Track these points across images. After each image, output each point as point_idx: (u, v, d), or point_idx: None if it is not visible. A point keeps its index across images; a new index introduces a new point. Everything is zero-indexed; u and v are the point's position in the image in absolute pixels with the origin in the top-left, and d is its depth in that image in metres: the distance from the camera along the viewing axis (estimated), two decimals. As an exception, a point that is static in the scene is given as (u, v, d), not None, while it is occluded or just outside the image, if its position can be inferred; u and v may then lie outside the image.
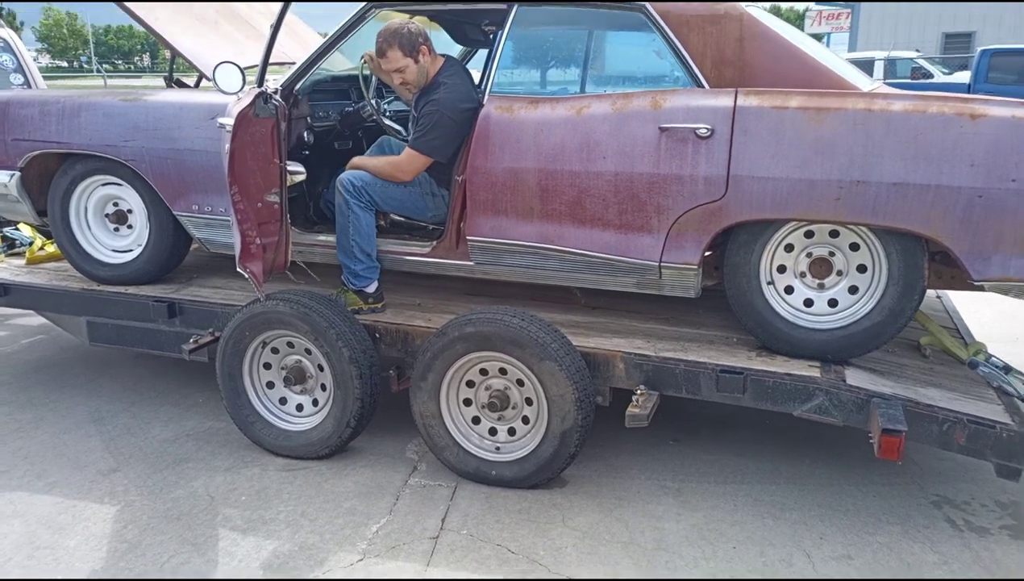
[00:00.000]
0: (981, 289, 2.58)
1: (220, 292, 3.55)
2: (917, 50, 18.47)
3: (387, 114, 3.68)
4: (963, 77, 13.83)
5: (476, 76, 3.28)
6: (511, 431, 2.89)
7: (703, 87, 2.72)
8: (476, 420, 2.91)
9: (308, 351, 3.06)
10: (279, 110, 2.83)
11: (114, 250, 3.65)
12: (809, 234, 2.72)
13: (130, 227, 3.62)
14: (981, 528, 2.66)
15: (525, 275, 3.02)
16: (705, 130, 2.63)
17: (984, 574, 2.42)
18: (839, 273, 2.72)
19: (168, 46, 3.44)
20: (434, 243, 3.13)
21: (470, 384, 2.89)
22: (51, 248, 4.13)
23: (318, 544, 2.57)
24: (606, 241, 2.82)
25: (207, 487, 2.93)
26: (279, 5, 4.79)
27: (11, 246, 4.27)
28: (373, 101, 3.53)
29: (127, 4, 3.38)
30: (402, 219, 3.40)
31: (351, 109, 3.63)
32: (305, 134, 3.34)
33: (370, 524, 2.67)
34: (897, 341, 2.97)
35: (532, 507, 2.76)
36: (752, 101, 2.61)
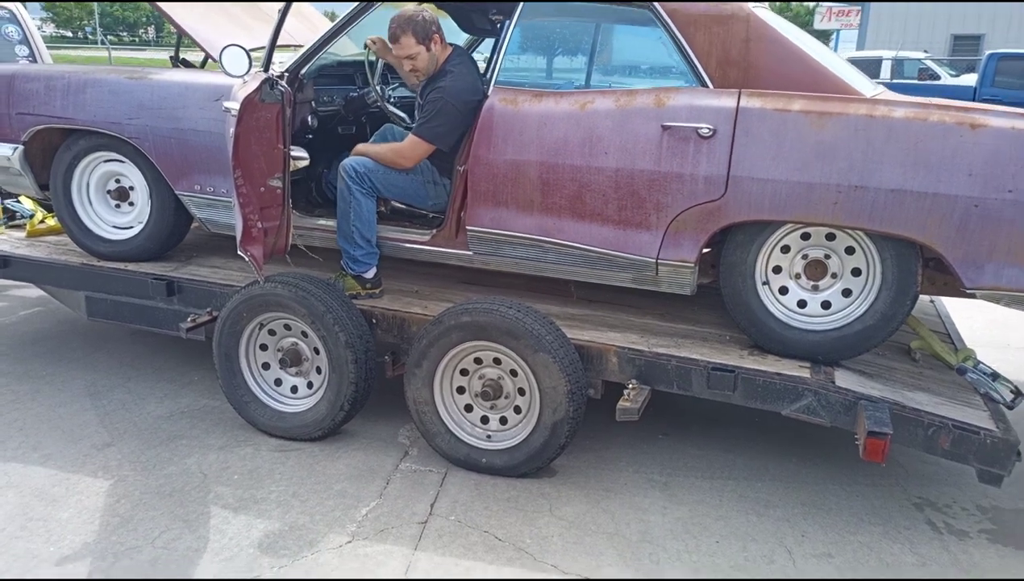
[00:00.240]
0: (973, 297, 2.61)
1: (219, 272, 3.57)
2: (925, 51, 18.40)
3: (391, 100, 3.69)
4: (970, 80, 13.81)
5: (480, 66, 3.30)
6: (503, 420, 2.92)
7: (707, 86, 2.73)
8: (469, 408, 2.95)
9: (305, 334, 3.09)
10: (284, 96, 2.84)
11: (115, 226, 3.66)
12: (806, 236, 2.75)
13: (131, 204, 3.64)
14: (961, 531, 2.70)
15: (523, 267, 3.05)
16: (707, 130, 2.64)
17: (962, 575, 2.46)
18: (834, 276, 2.75)
19: (176, 25, 3.45)
20: (434, 232, 3.15)
21: (464, 372, 2.92)
22: (51, 221, 4.15)
23: (308, 525, 2.60)
24: (605, 236, 2.84)
25: (200, 465, 2.96)
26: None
27: (11, 218, 4.29)
28: (378, 87, 3.54)
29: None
30: (403, 206, 3.42)
31: (356, 94, 3.64)
32: (309, 118, 3.35)
33: (360, 507, 2.71)
34: (888, 344, 3.00)
35: (520, 496, 2.79)
36: (755, 103, 2.63)
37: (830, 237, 2.72)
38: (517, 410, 2.88)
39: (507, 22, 3.06)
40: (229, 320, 3.10)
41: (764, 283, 2.80)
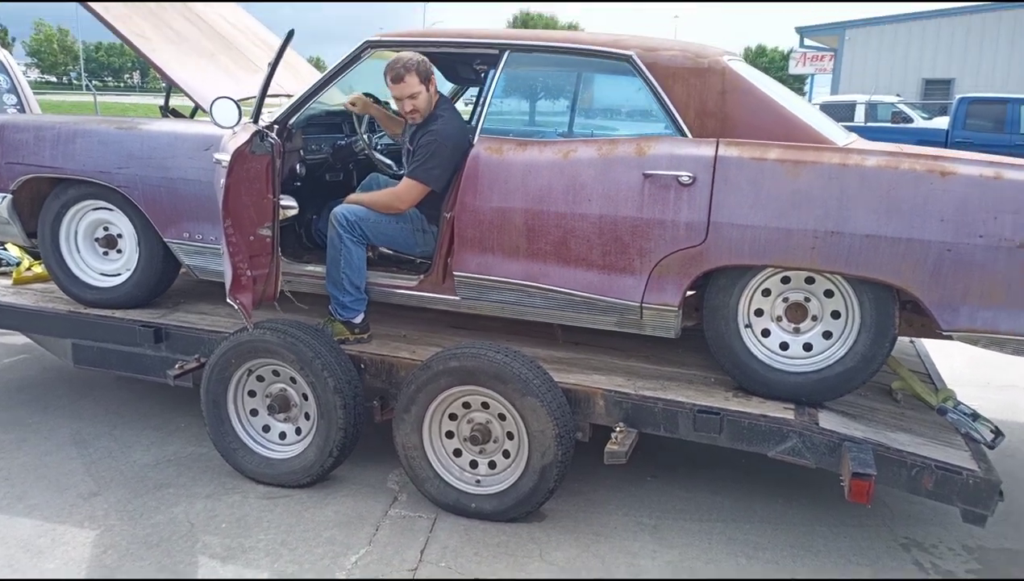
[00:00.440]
0: (950, 338, 2.68)
1: (207, 318, 3.58)
2: (898, 95, 18.93)
3: (378, 149, 3.77)
4: (942, 123, 14.19)
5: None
6: (492, 465, 2.93)
7: (686, 136, 2.82)
8: (457, 453, 2.96)
9: (293, 380, 3.10)
10: (275, 148, 2.90)
11: (102, 274, 3.68)
12: (786, 280, 2.81)
13: (119, 252, 3.66)
14: (948, 571, 2.72)
15: (509, 311, 3.09)
16: (687, 178, 2.72)
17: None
18: (814, 318, 2.81)
19: (165, 77, 3.51)
20: (421, 277, 3.19)
21: (453, 417, 2.94)
22: (38, 269, 4.15)
23: (297, 573, 2.59)
24: (590, 281, 2.89)
25: (187, 513, 2.94)
26: (271, 36, 4.89)
27: (-2, 265, 4.29)
28: (365, 136, 3.62)
29: (127, 36, 3.45)
30: (390, 252, 3.47)
31: (343, 143, 3.72)
32: (298, 166, 3.41)
33: (349, 554, 2.70)
34: (870, 385, 3.05)
35: (510, 541, 2.80)
36: (733, 152, 2.71)
37: (809, 280, 2.79)
38: (506, 454, 2.90)
39: (492, 71, 3.15)
40: (217, 366, 3.11)
41: (747, 326, 2.86)
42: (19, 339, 4.58)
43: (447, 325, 3.53)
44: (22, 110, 5.89)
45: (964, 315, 2.58)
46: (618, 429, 2.81)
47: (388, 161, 3.65)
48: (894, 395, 3.14)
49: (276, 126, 3.08)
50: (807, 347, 2.83)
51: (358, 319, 3.22)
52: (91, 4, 3.47)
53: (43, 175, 3.53)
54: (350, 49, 3.19)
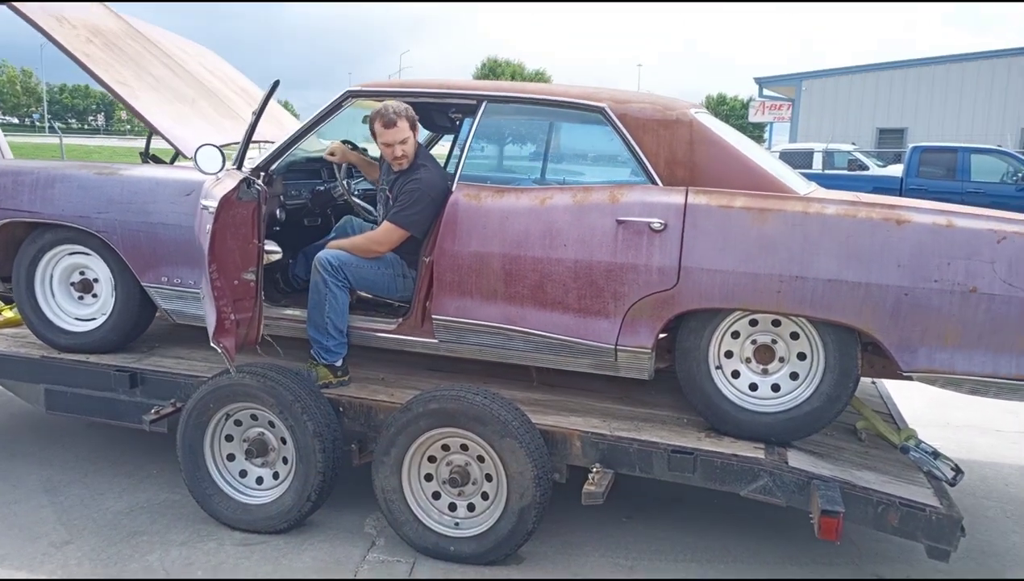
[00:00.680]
0: (910, 379, 2.80)
1: (183, 363, 3.58)
2: (853, 143, 19.56)
3: (355, 194, 3.84)
4: (896, 170, 14.70)
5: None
6: (471, 507, 2.96)
7: (657, 184, 2.94)
8: (436, 495, 2.98)
9: (272, 424, 3.11)
10: (261, 194, 2.96)
11: (77, 318, 3.67)
12: (754, 322, 2.92)
13: (95, 296, 3.66)
14: (914, 606, 2.80)
15: (487, 354, 3.15)
16: (659, 224, 2.84)
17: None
18: (781, 360, 2.92)
19: (147, 124, 3.56)
20: (400, 320, 3.25)
21: (432, 459, 2.97)
22: (8, 314, 4.12)
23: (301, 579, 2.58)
24: (566, 324, 2.97)
25: (162, 561, 2.91)
26: (249, 83, 4.98)
27: (-32, 311, 4.24)
28: (344, 182, 3.70)
29: (109, 84, 3.50)
30: (368, 296, 3.52)
31: (322, 188, 3.79)
32: (277, 211, 3.47)
33: (328, 600, 2.70)
34: (835, 425, 3.16)
35: (489, 583, 2.82)
36: (702, 199, 2.84)
37: (776, 323, 2.90)
38: (484, 496, 2.93)
39: (470, 120, 3.26)
40: (195, 411, 3.11)
41: (717, 367, 2.95)
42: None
43: (424, 368, 3.57)
44: (-6, 154, 5.87)
45: (922, 356, 2.70)
46: (595, 470, 2.87)
47: (367, 206, 3.73)
48: (858, 435, 3.25)
49: (262, 173, 3.14)
50: (775, 388, 2.93)
51: (339, 362, 3.25)
52: (74, 53, 3.52)
53: (20, 220, 3.54)
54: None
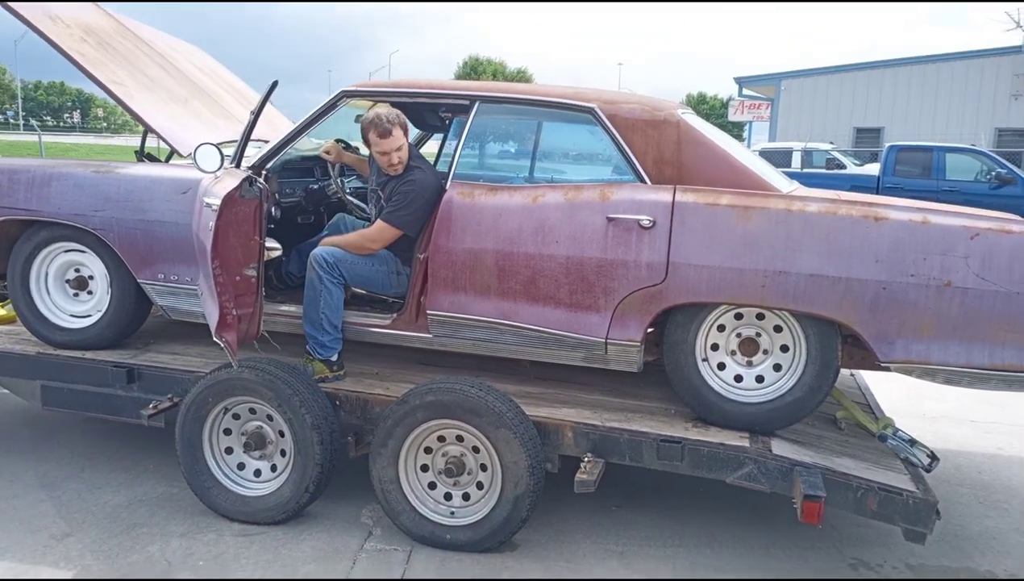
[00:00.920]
0: (887, 370, 2.92)
1: (179, 358, 3.63)
2: (831, 142, 19.87)
3: (348, 192, 3.91)
4: (873, 169, 14.95)
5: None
6: (466, 496, 3.04)
7: (645, 182, 3.04)
8: (432, 485, 3.06)
9: (270, 417, 3.17)
10: (263, 192, 3.02)
11: (72, 315, 3.70)
12: (739, 316, 3.03)
13: (90, 293, 3.69)
14: (893, 587, 2.93)
15: (481, 348, 3.23)
16: (648, 221, 2.93)
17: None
18: (765, 352, 3.02)
19: (143, 122, 3.60)
20: (395, 316, 3.32)
21: (428, 451, 3.05)
22: (2, 311, 4.14)
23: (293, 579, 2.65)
24: (558, 318, 3.06)
25: (163, 552, 2.97)
26: (240, 82, 5.02)
27: (-40, 308, 4.25)
28: (338, 180, 3.76)
29: (104, 83, 3.54)
30: (363, 292, 3.58)
31: (316, 187, 3.85)
32: (273, 209, 3.52)
33: (329, 587, 2.77)
34: (816, 415, 3.28)
35: (484, 570, 2.90)
36: (689, 197, 2.94)
37: (760, 317, 3.01)
38: (480, 486, 3.02)
39: (462, 120, 3.34)
40: (194, 405, 3.17)
41: (704, 360, 3.06)
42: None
43: (418, 363, 3.65)
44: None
45: (899, 347, 2.82)
46: (586, 459, 2.96)
47: (360, 204, 3.79)
48: (838, 424, 3.37)
49: (264, 172, 3.20)
50: (759, 379, 3.03)
51: (335, 357, 3.32)
52: (68, 51, 3.56)
53: (16, 217, 3.57)
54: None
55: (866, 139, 25.02)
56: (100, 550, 2.96)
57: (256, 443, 3.20)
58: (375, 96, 3.47)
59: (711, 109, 55.78)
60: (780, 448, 2.92)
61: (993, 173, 12.73)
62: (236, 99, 4.63)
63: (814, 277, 2.81)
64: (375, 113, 3.20)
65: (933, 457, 3.12)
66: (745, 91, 29.68)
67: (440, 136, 4.61)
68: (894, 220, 2.80)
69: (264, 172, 3.34)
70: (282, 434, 3.16)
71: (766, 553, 3.12)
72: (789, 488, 2.82)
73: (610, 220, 2.98)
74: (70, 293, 3.71)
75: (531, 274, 3.06)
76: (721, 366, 3.06)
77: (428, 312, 3.21)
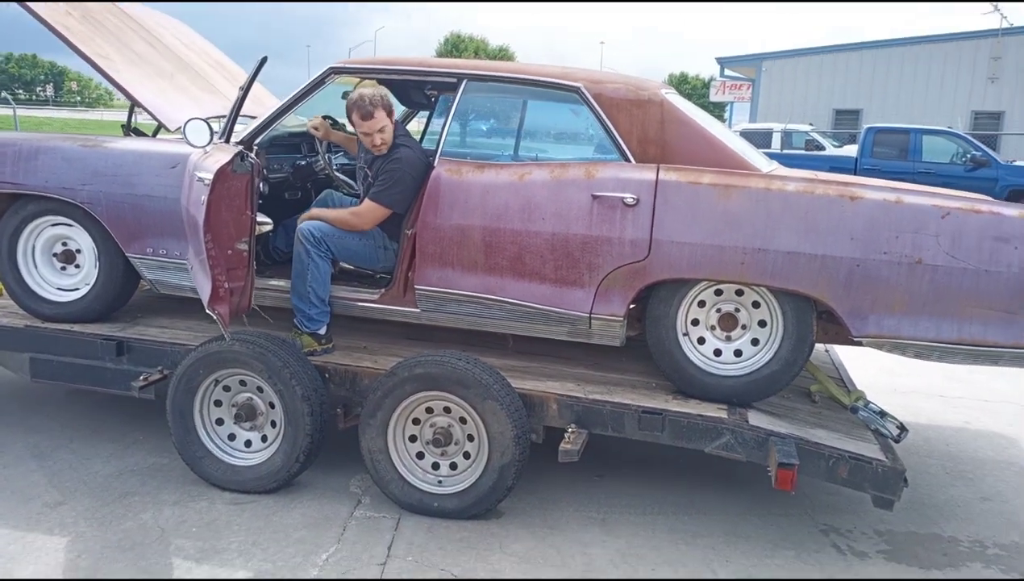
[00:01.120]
0: (860, 344, 3.03)
1: (167, 331, 3.67)
2: (811, 124, 20.02)
3: (336, 168, 3.95)
4: (851, 151, 15.13)
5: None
6: (453, 466, 3.13)
7: (630, 161, 3.11)
8: (420, 455, 3.15)
9: (260, 389, 3.23)
10: (254, 167, 3.05)
11: (59, 288, 3.72)
12: (719, 292, 3.12)
13: (77, 267, 3.71)
14: (861, 552, 3.06)
15: (467, 322, 3.30)
16: (632, 199, 3.01)
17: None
18: (743, 327, 3.12)
19: (130, 97, 3.61)
20: (382, 290, 3.38)
21: (416, 422, 3.13)
22: (-12, 285, 4.14)
23: (271, 571, 2.73)
24: (543, 293, 3.14)
25: (156, 519, 3.03)
26: (225, 57, 5.01)
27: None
28: (326, 156, 3.80)
29: (91, 57, 3.54)
30: (351, 267, 3.64)
31: (303, 163, 3.88)
32: (261, 185, 3.55)
33: (320, 552, 2.85)
34: (791, 388, 3.39)
35: (471, 536, 2.99)
36: (672, 176, 3.02)
37: (739, 293, 3.10)
38: (466, 455, 3.10)
39: (449, 98, 3.38)
40: (185, 377, 3.22)
41: (684, 334, 3.15)
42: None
43: (406, 337, 3.71)
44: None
45: (872, 323, 2.93)
46: (570, 430, 3.05)
47: (348, 180, 3.83)
48: (812, 397, 3.49)
49: (254, 147, 3.23)
50: (738, 353, 3.14)
51: (323, 331, 3.38)
52: (54, 24, 3.55)
53: (3, 191, 3.57)
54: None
55: (845, 121, 25.24)
56: (94, 518, 3.02)
57: (247, 414, 3.26)
58: (363, 73, 3.50)
59: (693, 89, 55.82)
60: (756, 419, 3.03)
61: (968, 155, 12.94)
62: (221, 74, 4.63)
63: (791, 254, 2.90)
64: (358, 94, 3.24)
65: (902, 428, 3.25)
66: (727, 72, 29.76)
67: (426, 114, 4.65)
68: (869, 200, 2.90)
69: (254, 147, 3.37)
70: (272, 406, 3.22)
71: (742, 519, 3.24)
72: (764, 457, 2.93)
73: (595, 198, 3.05)
74: (57, 266, 3.73)
75: (517, 250, 3.13)
76: (701, 340, 3.16)
77: (416, 287, 3.27)
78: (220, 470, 3.27)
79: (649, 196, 3.01)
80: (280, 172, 3.82)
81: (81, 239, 3.66)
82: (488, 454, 3.01)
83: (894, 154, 13.39)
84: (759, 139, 15.45)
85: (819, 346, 4.20)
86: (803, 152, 15.31)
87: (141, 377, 3.37)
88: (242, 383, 3.26)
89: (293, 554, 2.83)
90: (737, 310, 3.12)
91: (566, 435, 3.02)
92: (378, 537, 2.96)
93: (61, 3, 3.75)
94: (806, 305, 3.02)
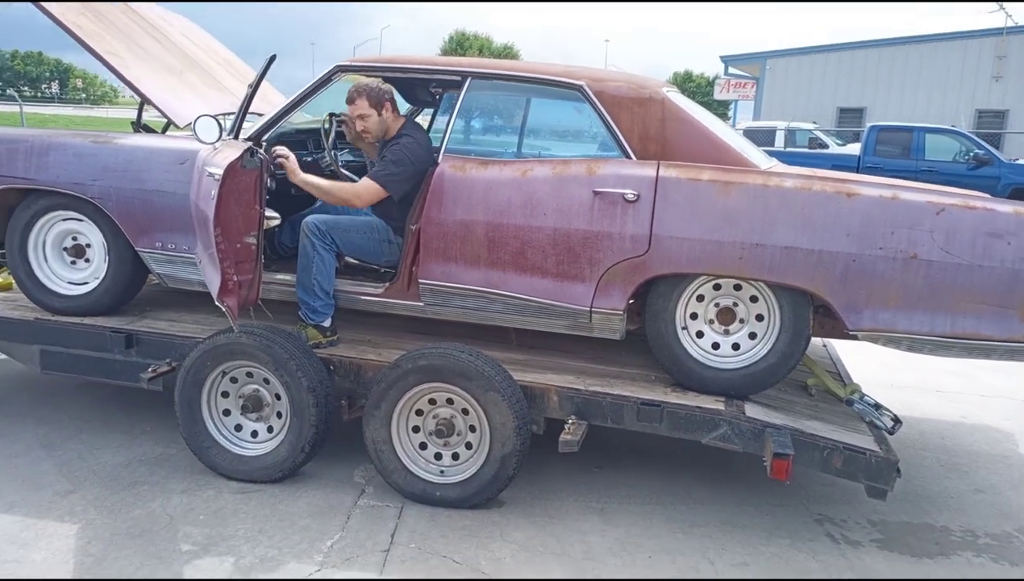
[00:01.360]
0: (855, 338, 3.08)
1: (175, 325, 3.74)
2: (814, 122, 20.03)
3: (341, 164, 4.00)
4: (855, 149, 15.14)
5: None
6: (455, 456, 3.19)
7: (631, 158, 3.17)
8: (423, 446, 3.21)
9: (266, 381, 3.30)
10: (263, 163, 3.11)
11: (70, 282, 3.78)
12: (717, 287, 3.17)
13: (87, 261, 3.78)
14: (855, 541, 3.12)
15: (470, 316, 3.36)
16: (632, 195, 3.06)
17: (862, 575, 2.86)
18: (741, 321, 3.18)
19: (139, 94, 3.68)
20: (387, 285, 3.44)
21: (419, 413, 3.19)
22: (1, 278, 4.21)
23: (277, 557, 2.79)
24: (545, 288, 3.20)
25: (164, 507, 3.10)
26: (232, 56, 5.08)
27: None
28: (331, 152, 3.85)
29: (101, 54, 3.60)
30: (356, 262, 3.70)
31: (310, 159, 3.94)
32: (269, 181, 3.61)
33: (324, 540, 2.91)
34: (788, 381, 3.45)
35: (473, 524, 3.06)
36: (672, 173, 3.07)
37: (737, 287, 3.16)
38: (468, 446, 3.16)
39: (453, 96, 3.44)
40: (193, 369, 3.28)
41: (683, 328, 3.21)
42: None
43: (409, 331, 3.78)
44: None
45: (867, 317, 2.98)
46: (570, 422, 3.11)
47: (353, 177, 3.88)
48: (809, 390, 3.54)
49: (262, 143, 3.29)
50: (735, 347, 3.19)
51: (327, 323, 3.44)
52: (65, 22, 3.61)
53: (15, 186, 3.64)
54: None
55: (849, 119, 25.23)
56: (103, 506, 3.09)
57: (253, 405, 3.32)
58: (369, 71, 3.56)
59: (697, 87, 55.79)
60: (753, 411, 3.09)
61: (971, 154, 12.95)
62: (229, 72, 4.70)
63: (789, 249, 2.95)
64: (356, 82, 3.33)
65: (896, 420, 3.30)
66: (731, 70, 29.78)
67: (430, 112, 4.71)
68: (865, 196, 2.95)
69: (263, 143, 3.44)
70: (278, 397, 3.29)
71: (738, 510, 3.30)
72: (760, 448, 2.99)
73: (596, 194, 3.11)
74: (68, 261, 3.79)
75: (520, 245, 3.19)
76: (700, 334, 3.22)
77: (420, 281, 3.33)
78: (227, 460, 3.33)
79: (649, 192, 3.07)
80: (286, 168, 3.87)
81: (91, 234, 3.73)
82: (490, 444, 3.07)
83: (897, 152, 13.40)
84: (763, 137, 15.48)
85: (817, 341, 4.26)
86: (807, 150, 15.34)
87: (150, 369, 3.43)
88: (249, 375, 3.33)
89: (298, 541, 2.89)
90: (735, 304, 3.17)
91: (566, 426, 3.08)
92: (381, 525, 3.03)
93: (75, 3, 3.81)
94: (803, 299, 3.07)
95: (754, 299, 3.15)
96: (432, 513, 3.12)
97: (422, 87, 4.18)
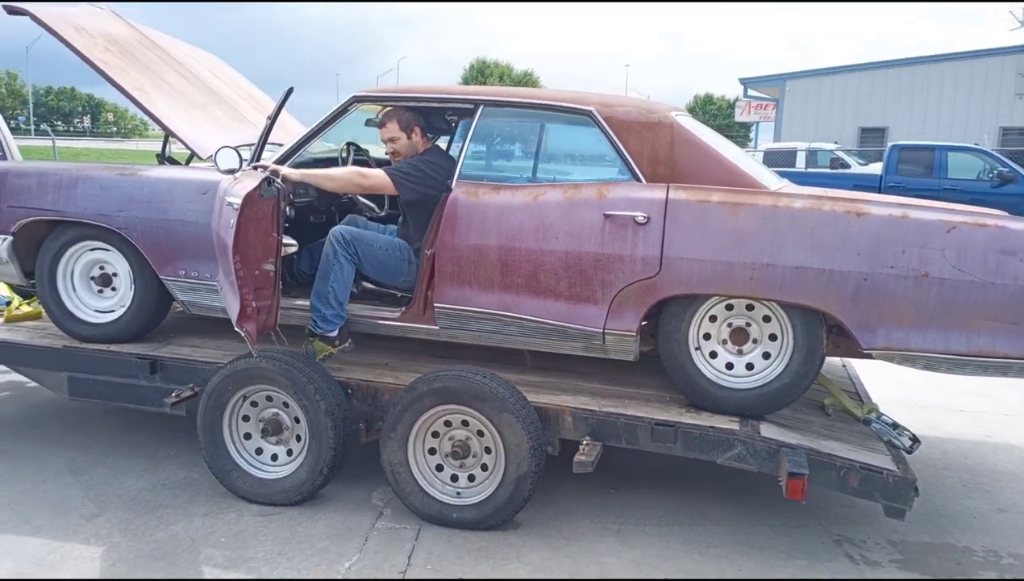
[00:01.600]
0: (870, 357, 3.08)
1: (198, 350, 3.82)
2: (836, 142, 19.97)
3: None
4: (877, 168, 15.06)
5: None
6: (471, 477, 3.22)
7: (641, 181, 3.21)
8: (440, 467, 3.24)
9: (286, 404, 3.36)
10: (281, 192, 3.21)
11: (97, 310, 3.89)
12: (729, 307, 3.19)
13: (114, 289, 3.89)
14: (874, 562, 3.09)
15: (485, 339, 3.41)
16: (643, 218, 3.11)
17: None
18: (754, 341, 3.19)
19: (164, 128, 3.80)
20: (403, 309, 3.50)
21: (435, 435, 3.23)
22: (27, 308, 4.34)
23: (296, 578, 2.83)
24: (558, 310, 3.24)
25: (187, 530, 3.16)
26: (254, 88, 5.21)
27: (-12, 306, 4.46)
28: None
29: (128, 90, 3.74)
30: (373, 287, 3.77)
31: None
32: (287, 209, 3.71)
33: (343, 561, 2.95)
34: (805, 401, 3.44)
35: (489, 546, 3.08)
36: (681, 195, 3.11)
37: (750, 307, 3.17)
38: (484, 467, 3.19)
39: (468, 123, 3.52)
40: (215, 393, 3.35)
41: (696, 349, 3.22)
42: (1, 378, 4.72)
43: (426, 354, 3.83)
44: (3, 158, 6.08)
45: (881, 335, 2.98)
46: (585, 442, 3.13)
47: (371, 204, 3.97)
48: (826, 410, 3.53)
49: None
50: (749, 366, 3.20)
51: (334, 333, 3.49)
52: (92, 59, 3.75)
53: (45, 218, 3.77)
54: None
55: (871, 139, 25.12)
56: (128, 529, 3.15)
57: (273, 429, 3.39)
58: (384, 100, 3.66)
59: (718, 110, 55.85)
60: (768, 431, 3.09)
61: (995, 172, 12.83)
62: (251, 105, 4.83)
63: (799, 269, 2.97)
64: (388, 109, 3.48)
65: (915, 439, 3.28)
66: (750, 92, 29.82)
67: (447, 139, 4.80)
68: (875, 215, 2.96)
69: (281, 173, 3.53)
70: (298, 420, 3.35)
71: (754, 530, 3.28)
72: (776, 468, 2.98)
73: (607, 217, 3.15)
74: (95, 289, 3.90)
75: (532, 268, 3.24)
76: (713, 354, 3.23)
77: (435, 305, 3.39)
78: (248, 483, 3.39)
79: (659, 214, 3.11)
80: (305, 196, 3.97)
81: (117, 263, 3.84)
82: (505, 466, 3.10)
83: (919, 171, 13.31)
84: (784, 158, 15.48)
85: (836, 360, 4.24)
86: (828, 170, 15.28)
87: (173, 394, 3.51)
88: (268, 399, 3.39)
89: (317, 563, 2.93)
90: (748, 324, 3.19)
91: (581, 447, 3.10)
92: (399, 547, 3.06)
93: (100, 39, 3.96)
94: (815, 319, 3.08)
95: (767, 319, 3.17)
96: (449, 535, 3.15)
97: (437, 115, 4.27)
